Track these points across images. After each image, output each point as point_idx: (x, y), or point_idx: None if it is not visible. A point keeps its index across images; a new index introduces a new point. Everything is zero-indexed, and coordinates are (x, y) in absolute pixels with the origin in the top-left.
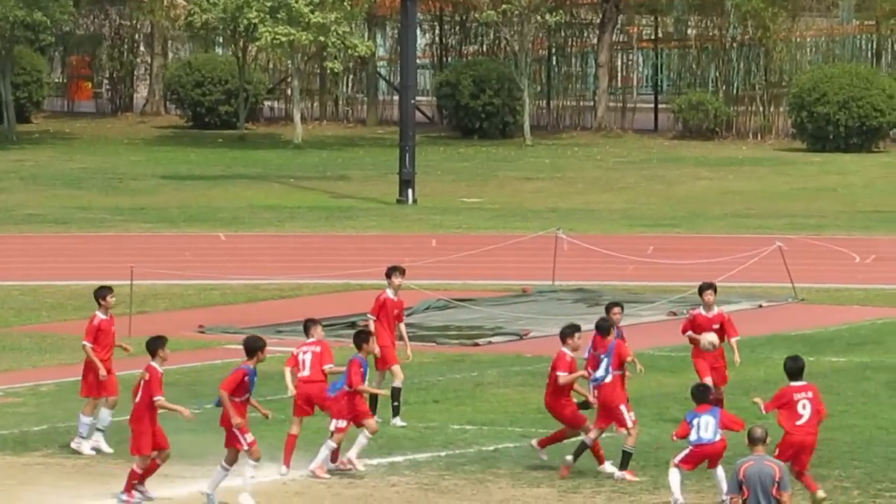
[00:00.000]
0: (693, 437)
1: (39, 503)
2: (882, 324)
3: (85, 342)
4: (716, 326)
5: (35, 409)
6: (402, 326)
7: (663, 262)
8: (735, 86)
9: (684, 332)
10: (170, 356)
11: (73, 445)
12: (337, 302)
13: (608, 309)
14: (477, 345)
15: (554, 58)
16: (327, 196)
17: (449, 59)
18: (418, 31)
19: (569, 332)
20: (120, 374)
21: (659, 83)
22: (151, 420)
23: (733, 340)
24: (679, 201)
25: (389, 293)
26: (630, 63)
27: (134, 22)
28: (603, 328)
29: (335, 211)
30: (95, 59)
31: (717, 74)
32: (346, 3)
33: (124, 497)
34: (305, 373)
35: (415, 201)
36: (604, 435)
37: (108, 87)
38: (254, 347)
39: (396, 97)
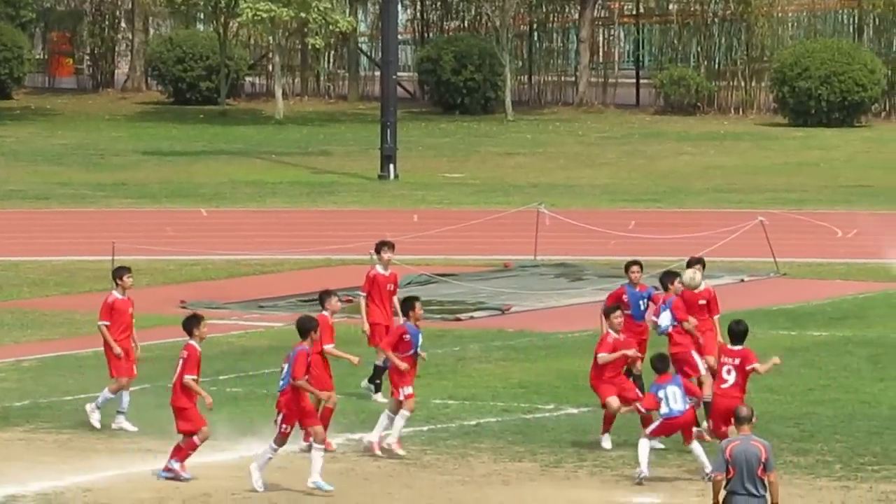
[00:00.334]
0: (664, 409)
1: (21, 478)
2: (864, 298)
3: (100, 322)
4: (702, 302)
5: (16, 384)
6: (396, 300)
7: (645, 237)
8: (717, 61)
9: (675, 308)
10: (152, 332)
11: (113, 426)
12: (318, 277)
13: (627, 267)
14: (459, 319)
15: (535, 33)
16: (309, 172)
17: (430, 34)
18: (399, 7)
19: (610, 311)
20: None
21: (640, 58)
22: (190, 397)
23: (715, 318)
24: (661, 176)
25: (379, 269)
26: (611, 38)
27: None
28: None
29: (317, 186)
30: (76, 35)
31: (699, 49)
32: None
33: (176, 466)
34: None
35: (396, 177)
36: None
37: (89, 63)
38: (307, 328)
39: (378, 73)
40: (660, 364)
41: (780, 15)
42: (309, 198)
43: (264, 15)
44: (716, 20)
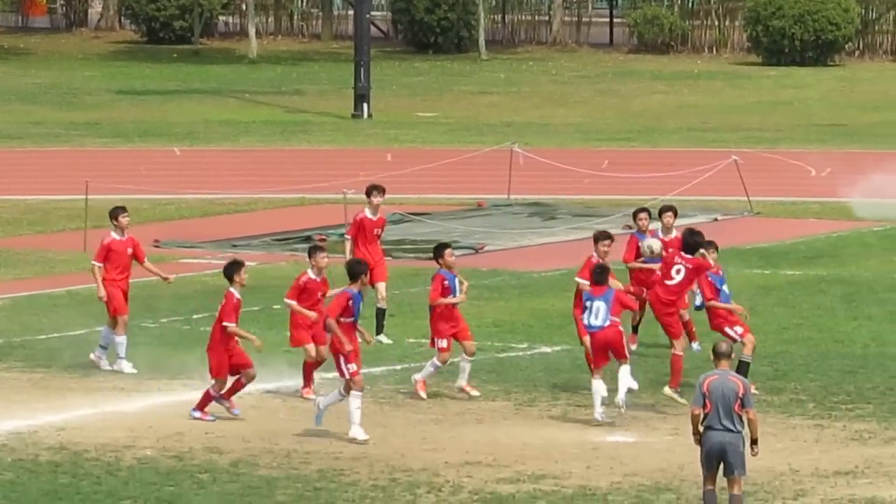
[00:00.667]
0: (584, 320)
1: None
2: (838, 237)
3: (95, 262)
4: (672, 251)
5: None
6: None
7: (619, 176)
8: (690, 0)
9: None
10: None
11: (114, 367)
12: (292, 216)
13: (634, 215)
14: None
15: None
16: (282, 111)
17: None
18: None
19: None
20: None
21: None
22: (225, 344)
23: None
24: (634, 115)
25: (367, 212)
26: None
27: None
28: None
29: (290, 126)
30: None
31: None
32: None
33: (197, 414)
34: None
35: (370, 116)
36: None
37: (62, 2)
38: (357, 272)
39: (351, 12)
40: (598, 276)
41: None
42: (282, 137)
43: None
44: None
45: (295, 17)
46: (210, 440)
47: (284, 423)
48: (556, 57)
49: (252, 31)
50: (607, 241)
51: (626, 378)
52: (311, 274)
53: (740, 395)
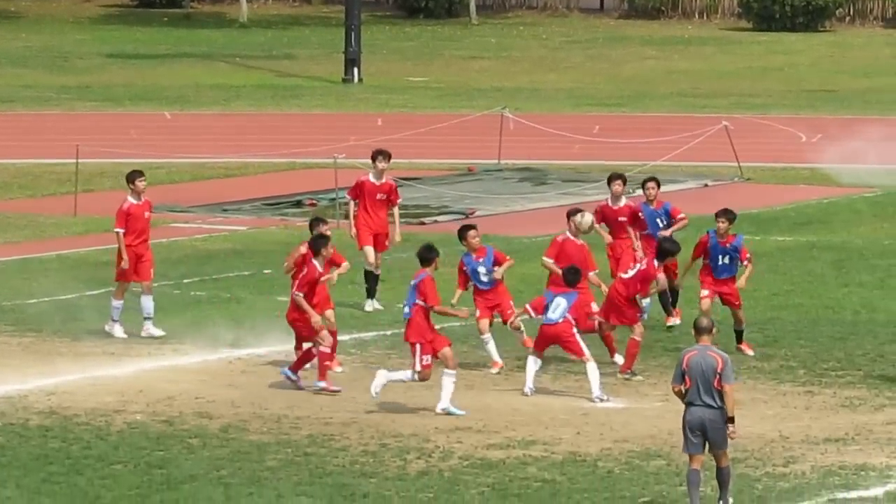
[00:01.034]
0: (543, 315)
1: None
2: (828, 203)
3: (116, 229)
4: (622, 219)
5: None
6: (396, 210)
7: (609, 142)
8: None
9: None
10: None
11: (105, 328)
12: (282, 180)
13: (643, 184)
14: (423, 223)
15: None
16: (273, 75)
17: None
18: None
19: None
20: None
21: None
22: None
23: (636, 234)
24: (625, 81)
25: (371, 177)
26: None
27: None
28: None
29: (281, 90)
30: None
31: None
32: None
33: (322, 384)
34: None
35: (360, 80)
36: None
37: None
38: (429, 258)
39: None
40: (569, 277)
41: None
42: (273, 101)
43: None
44: None
45: None
46: (200, 405)
47: (274, 389)
48: (547, 22)
49: None
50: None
51: (594, 373)
52: (317, 265)
53: (719, 370)
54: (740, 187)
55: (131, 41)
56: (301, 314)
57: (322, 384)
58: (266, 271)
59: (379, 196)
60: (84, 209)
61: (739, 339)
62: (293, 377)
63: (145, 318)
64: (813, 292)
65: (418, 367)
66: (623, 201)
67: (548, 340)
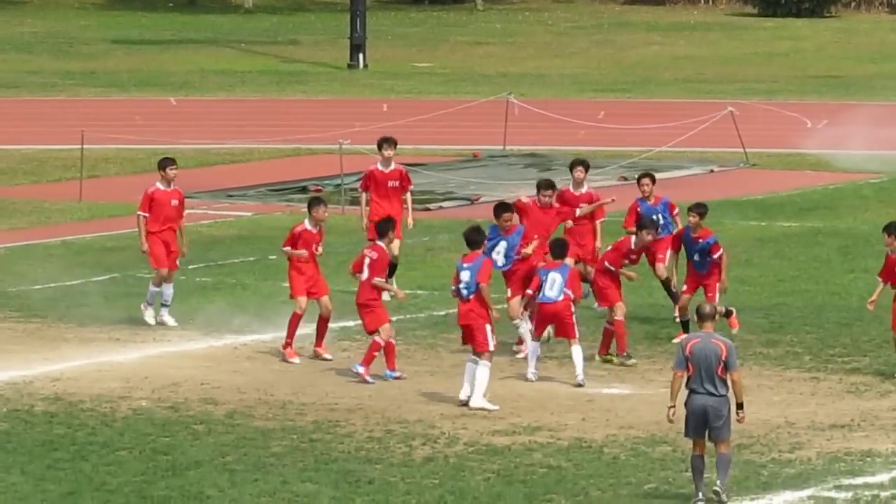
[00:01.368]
0: (540, 294)
1: None
2: (834, 189)
3: (139, 213)
4: (582, 205)
5: None
6: (408, 195)
7: (614, 127)
8: None
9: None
10: (121, 220)
11: (157, 320)
12: (287, 166)
13: (638, 180)
14: (428, 209)
15: None
16: (278, 61)
17: None
18: None
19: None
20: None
21: None
22: (375, 296)
23: (598, 222)
24: (630, 66)
25: (379, 165)
26: None
27: None
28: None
29: (286, 76)
30: None
31: None
32: None
33: (361, 369)
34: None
35: (366, 66)
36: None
37: None
38: (475, 240)
39: None
40: (556, 249)
41: None
42: (278, 87)
43: None
44: None
45: None
46: (205, 391)
47: (280, 375)
48: (553, 7)
49: None
50: (549, 192)
51: (579, 356)
52: (307, 225)
53: (723, 357)
54: (746, 173)
55: (136, 27)
56: (372, 301)
57: (361, 369)
58: (271, 257)
59: (391, 184)
60: (89, 195)
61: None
62: (361, 371)
63: (162, 305)
64: (819, 278)
65: (493, 347)
66: (585, 188)
67: (547, 320)
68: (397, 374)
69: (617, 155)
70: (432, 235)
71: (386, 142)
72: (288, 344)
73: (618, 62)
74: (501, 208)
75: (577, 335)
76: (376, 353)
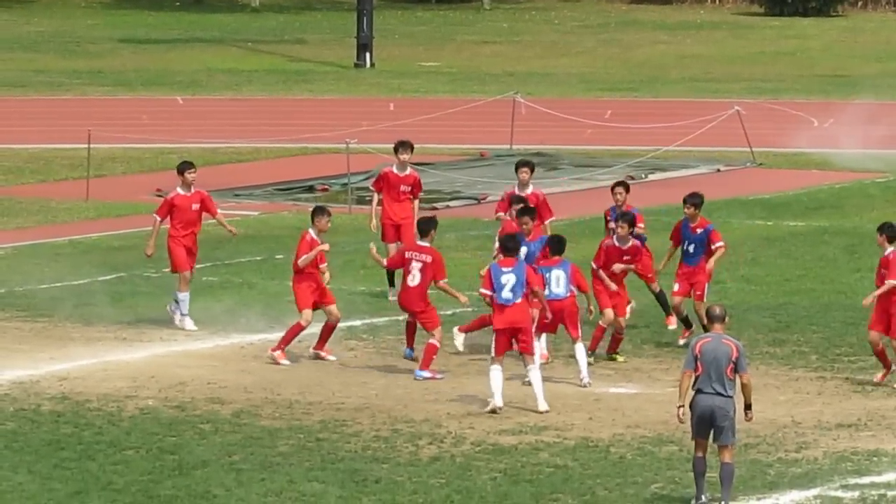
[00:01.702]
0: (546, 292)
1: None
2: (840, 188)
3: (155, 215)
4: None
5: None
6: (416, 203)
7: (621, 126)
8: None
9: (497, 211)
10: (127, 220)
11: (176, 322)
12: (294, 166)
13: (612, 189)
14: (435, 209)
15: None
16: (285, 60)
17: None
18: None
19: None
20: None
21: None
22: (427, 300)
23: (547, 222)
24: (637, 65)
25: (394, 168)
26: None
27: None
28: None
29: (292, 75)
30: None
31: None
32: None
33: (426, 374)
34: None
35: (372, 65)
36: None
37: None
38: (511, 247)
39: None
40: (553, 246)
41: None
42: (285, 86)
43: None
44: None
45: None
46: (212, 391)
47: (287, 374)
48: (559, 6)
49: None
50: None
51: (582, 356)
52: (312, 233)
53: (733, 358)
54: (752, 172)
55: (143, 25)
56: (426, 307)
57: (426, 374)
58: (278, 256)
59: (403, 188)
60: (96, 194)
61: (668, 312)
62: (428, 375)
63: (174, 301)
64: (825, 277)
65: (539, 352)
66: (530, 189)
67: (555, 317)
68: (415, 356)
69: (623, 154)
70: (439, 235)
71: (402, 145)
72: (279, 347)
73: (624, 61)
74: (523, 212)
75: (580, 334)
76: (434, 356)
